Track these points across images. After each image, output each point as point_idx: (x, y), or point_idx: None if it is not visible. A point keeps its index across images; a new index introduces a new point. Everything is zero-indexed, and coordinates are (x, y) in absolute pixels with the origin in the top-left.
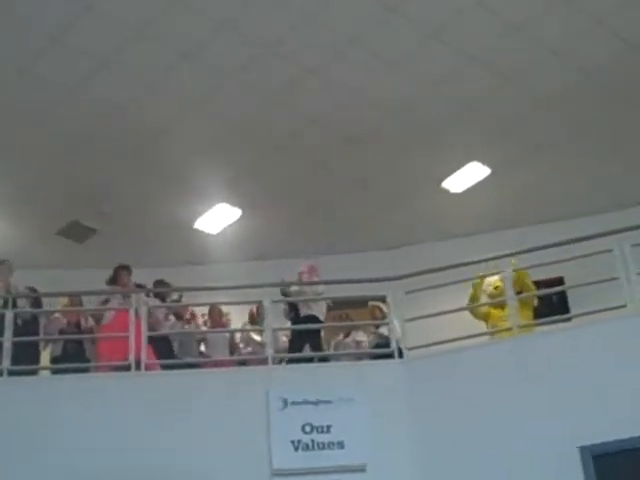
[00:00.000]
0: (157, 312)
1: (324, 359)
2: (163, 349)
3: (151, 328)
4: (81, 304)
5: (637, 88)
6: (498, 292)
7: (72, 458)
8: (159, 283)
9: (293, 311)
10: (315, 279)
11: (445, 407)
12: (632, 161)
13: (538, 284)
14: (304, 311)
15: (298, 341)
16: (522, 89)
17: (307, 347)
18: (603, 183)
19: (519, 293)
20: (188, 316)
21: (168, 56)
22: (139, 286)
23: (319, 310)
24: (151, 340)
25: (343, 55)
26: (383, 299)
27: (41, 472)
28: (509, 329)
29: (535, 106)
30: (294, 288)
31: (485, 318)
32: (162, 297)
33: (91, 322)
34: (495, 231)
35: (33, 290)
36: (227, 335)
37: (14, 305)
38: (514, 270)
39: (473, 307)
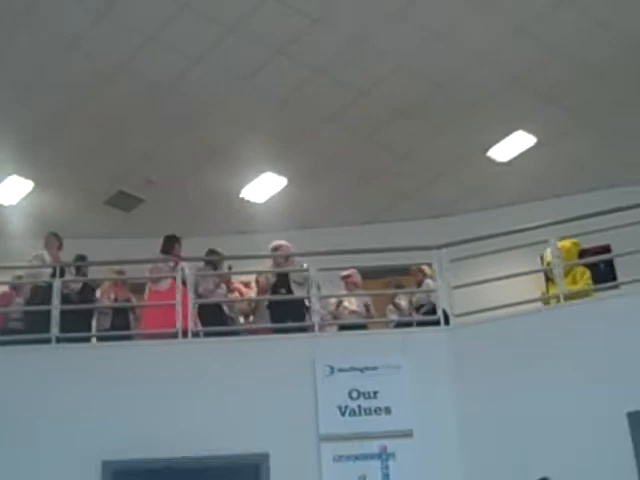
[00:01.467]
0: (207, 281)
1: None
2: (215, 317)
3: (202, 297)
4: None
5: None
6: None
7: (119, 421)
8: (212, 253)
9: (284, 287)
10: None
11: (490, 374)
12: None
13: (585, 252)
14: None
15: (281, 316)
16: (568, 60)
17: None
18: None
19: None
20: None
21: (216, 30)
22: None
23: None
24: (202, 308)
25: (390, 26)
26: (429, 266)
27: (91, 433)
28: (555, 297)
29: (581, 77)
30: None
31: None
32: (214, 266)
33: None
34: (540, 200)
35: (82, 258)
36: None
37: (62, 275)
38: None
39: (516, 275)
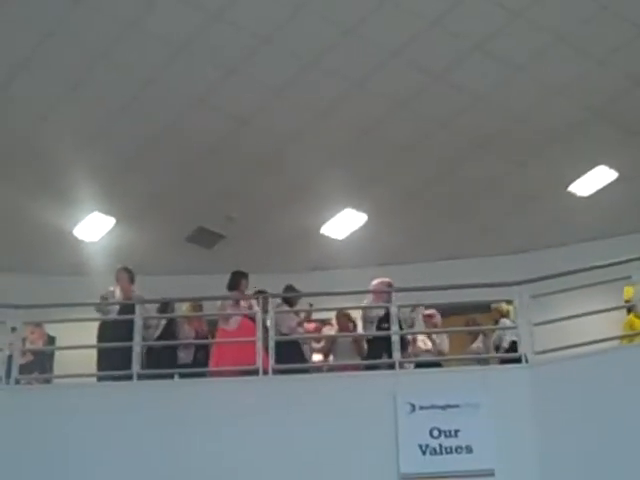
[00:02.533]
0: (289, 319)
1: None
2: (295, 356)
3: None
4: (201, 311)
5: None
6: None
7: (199, 459)
8: (289, 289)
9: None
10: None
11: (571, 412)
12: None
13: None
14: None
15: (377, 349)
16: None
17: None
18: None
19: None
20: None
21: (295, 63)
22: (260, 292)
23: None
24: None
25: (471, 59)
26: (508, 303)
27: (166, 471)
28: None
29: None
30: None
31: None
32: (291, 303)
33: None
34: (622, 235)
35: (163, 298)
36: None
37: (131, 312)
38: None
39: (601, 312)
